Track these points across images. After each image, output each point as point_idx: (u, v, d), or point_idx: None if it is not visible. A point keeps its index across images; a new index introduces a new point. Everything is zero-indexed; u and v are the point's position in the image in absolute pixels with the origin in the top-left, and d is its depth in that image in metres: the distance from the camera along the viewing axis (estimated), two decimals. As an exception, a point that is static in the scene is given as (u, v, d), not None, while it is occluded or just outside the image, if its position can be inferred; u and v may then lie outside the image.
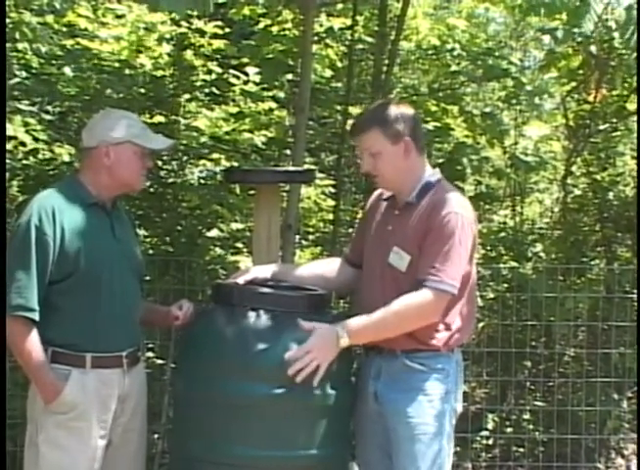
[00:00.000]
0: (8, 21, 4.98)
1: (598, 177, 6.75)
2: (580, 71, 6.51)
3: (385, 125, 3.26)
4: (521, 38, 9.38)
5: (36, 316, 3.14)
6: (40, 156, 5.33)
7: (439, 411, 3.25)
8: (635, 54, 4.69)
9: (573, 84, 6.80)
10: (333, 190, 6.46)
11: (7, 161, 5.16)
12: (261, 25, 6.20)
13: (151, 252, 5.36)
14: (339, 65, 6.43)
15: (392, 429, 3.27)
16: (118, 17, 5.65)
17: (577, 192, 6.99)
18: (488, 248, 6.35)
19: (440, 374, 3.26)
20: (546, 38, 5.74)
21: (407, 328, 3.19)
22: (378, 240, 3.36)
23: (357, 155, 3.49)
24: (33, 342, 3.13)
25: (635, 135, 6.43)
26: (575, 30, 4.69)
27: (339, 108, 6.66)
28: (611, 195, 6.62)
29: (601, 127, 6.83)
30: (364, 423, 3.38)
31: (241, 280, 3.42)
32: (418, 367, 3.25)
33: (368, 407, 3.34)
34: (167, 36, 5.58)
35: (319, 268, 3.62)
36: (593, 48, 6.00)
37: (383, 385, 3.30)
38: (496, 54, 6.88)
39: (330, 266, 3.61)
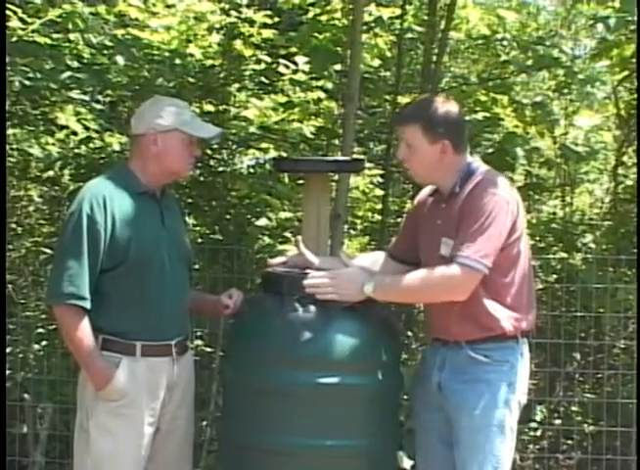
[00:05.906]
0: (60, 11, 5.05)
1: (649, 167, 6.66)
2: (633, 60, 6.41)
3: (426, 124, 3.23)
4: (572, 27, 9.26)
5: (88, 305, 3.17)
6: (91, 145, 5.38)
7: (502, 403, 3.25)
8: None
9: (626, 73, 6.70)
10: (381, 180, 6.44)
11: (59, 149, 5.24)
12: (310, 15, 6.19)
13: (200, 240, 5.40)
14: (388, 54, 6.39)
15: (455, 419, 3.28)
16: (168, 6, 5.68)
17: (629, 182, 6.89)
18: (537, 238, 6.29)
19: (504, 366, 3.26)
20: (598, 26, 5.66)
21: (432, 298, 3.23)
22: (429, 235, 3.36)
23: (397, 140, 3.50)
24: (84, 330, 3.17)
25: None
26: (629, 18, 4.61)
27: (388, 97, 6.64)
28: (663, 185, 6.51)
29: (653, 117, 6.72)
30: (425, 413, 3.40)
31: (275, 262, 3.48)
32: (482, 359, 3.24)
33: (431, 397, 3.35)
34: (217, 26, 5.59)
35: (365, 261, 3.62)
36: (647, 36, 5.89)
37: (447, 375, 3.30)
38: (547, 43, 6.80)
39: (375, 260, 3.61)
